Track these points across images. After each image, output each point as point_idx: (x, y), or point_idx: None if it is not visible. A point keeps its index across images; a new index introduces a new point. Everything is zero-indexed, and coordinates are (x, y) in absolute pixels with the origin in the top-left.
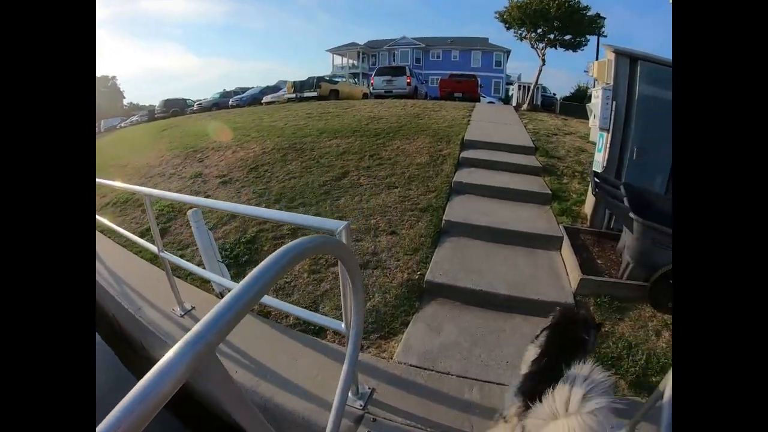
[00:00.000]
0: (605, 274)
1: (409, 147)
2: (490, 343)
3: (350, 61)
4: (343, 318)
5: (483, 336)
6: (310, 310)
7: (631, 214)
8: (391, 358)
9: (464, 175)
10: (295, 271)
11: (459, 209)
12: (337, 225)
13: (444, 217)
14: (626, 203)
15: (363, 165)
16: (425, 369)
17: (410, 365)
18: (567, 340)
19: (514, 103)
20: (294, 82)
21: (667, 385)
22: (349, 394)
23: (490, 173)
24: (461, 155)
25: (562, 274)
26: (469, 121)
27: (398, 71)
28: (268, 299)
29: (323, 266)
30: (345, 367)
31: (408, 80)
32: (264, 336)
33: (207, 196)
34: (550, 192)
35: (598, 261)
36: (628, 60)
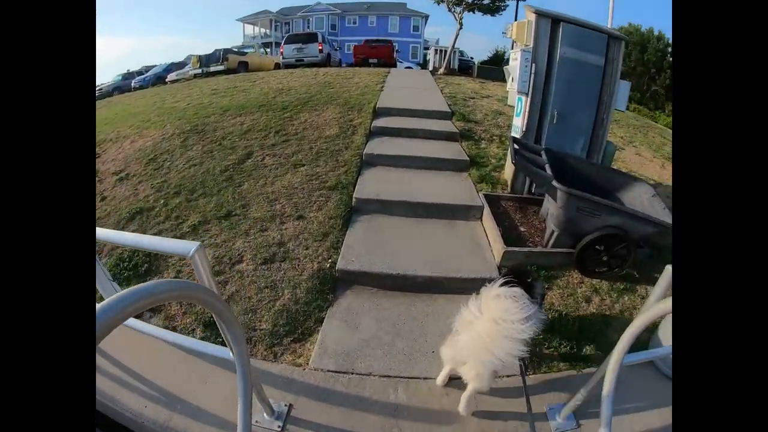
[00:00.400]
0: (530, 243)
1: (318, 119)
2: (413, 331)
3: (263, 31)
4: (227, 345)
5: (405, 325)
6: (214, 320)
7: (555, 183)
8: (308, 365)
9: (376, 146)
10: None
11: (371, 184)
12: (188, 249)
13: (354, 195)
14: (548, 171)
15: (268, 143)
16: (345, 373)
17: (328, 371)
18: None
19: (430, 68)
20: (199, 56)
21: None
22: (264, 416)
23: (405, 142)
24: (373, 124)
25: (485, 247)
26: (382, 87)
27: (309, 38)
28: (144, 326)
29: (226, 264)
30: (240, 407)
31: (320, 47)
32: (173, 357)
33: (103, 198)
34: (468, 158)
35: (522, 228)
36: (550, 21)
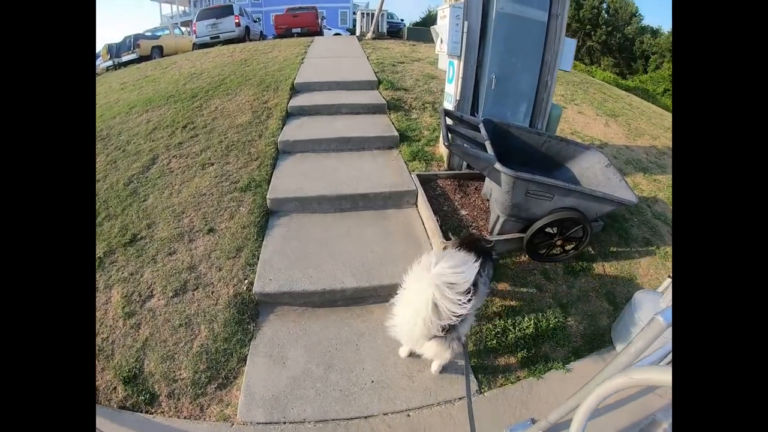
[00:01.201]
0: (473, 228)
1: (230, 105)
2: (347, 359)
3: (181, 9)
4: None
5: (338, 351)
6: (133, 371)
7: (498, 166)
8: (236, 416)
9: (293, 130)
10: (107, 319)
11: (288, 178)
12: None
13: (268, 195)
14: (489, 150)
15: (174, 142)
16: (276, 423)
17: (258, 424)
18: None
19: (357, 33)
20: (108, 45)
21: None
22: None
23: (326, 121)
24: (290, 104)
25: (422, 241)
26: (303, 59)
27: (224, 12)
28: None
29: (137, 302)
30: None
31: (236, 21)
32: None
33: None
34: (397, 133)
35: (463, 212)
36: None
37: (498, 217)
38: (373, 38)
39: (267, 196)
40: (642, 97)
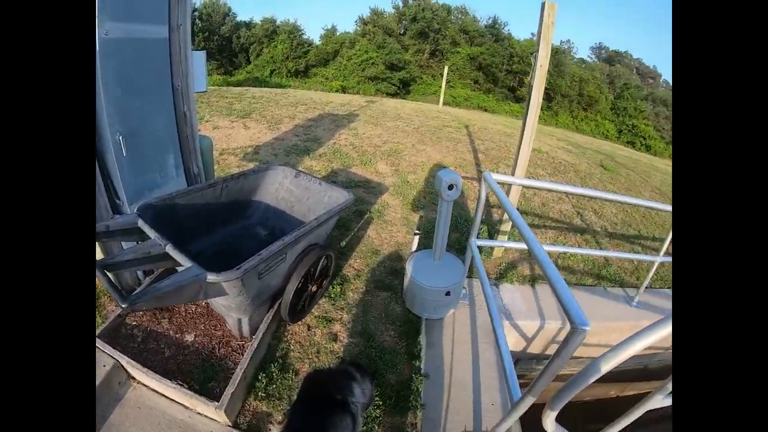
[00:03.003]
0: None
1: None
2: None
3: None
4: None
5: None
6: None
7: (213, 277)
8: None
9: None
10: None
11: None
12: None
13: None
14: (185, 261)
15: None
16: None
17: None
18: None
19: None
20: None
21: None
22: None
23: None
24: None
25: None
26: None
27: None
28: None
29: None
30: None
31: None
32: None
33: None
34: None
35: (188, 338)
36: None
37: (239, 320)
38: None
39: None
40: (256, 85)
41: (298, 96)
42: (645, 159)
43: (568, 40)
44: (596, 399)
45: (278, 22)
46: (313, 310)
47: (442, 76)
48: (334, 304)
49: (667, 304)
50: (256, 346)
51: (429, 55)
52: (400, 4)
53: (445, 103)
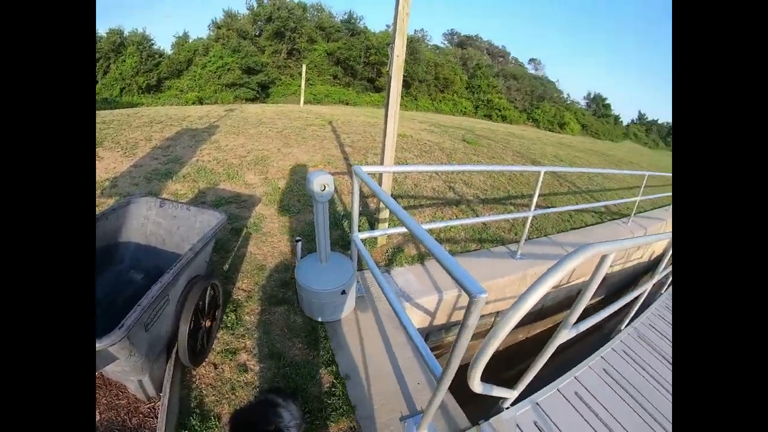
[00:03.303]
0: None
1: None
2: None
3: None
4: None
5: None
6: None
7: (97, 345)
8: None
9: None
10: None
11: None
12: None
13: None
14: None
15: None
16: None
17: None
18: None
19: None
20: None
21: None
22: None
23: None
24: None
25: None
26: None
27: None
28: None
29: None
30: None
31: None
32: None
33: None
34: None
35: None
36: None
37: (140, 381)
38: None
39: None
40: (106, 107)
41: (152, 114)
42: (502, 128)
43: (422, 29)
44: (507, 346)
45: (126, 33)
46: (214, 346)
47: (301, 75)
48: (233, 333)
49: (546, 250)
50: (167, 404)
51: (286, 55)
52: (255, 5)
53: (306, 102)
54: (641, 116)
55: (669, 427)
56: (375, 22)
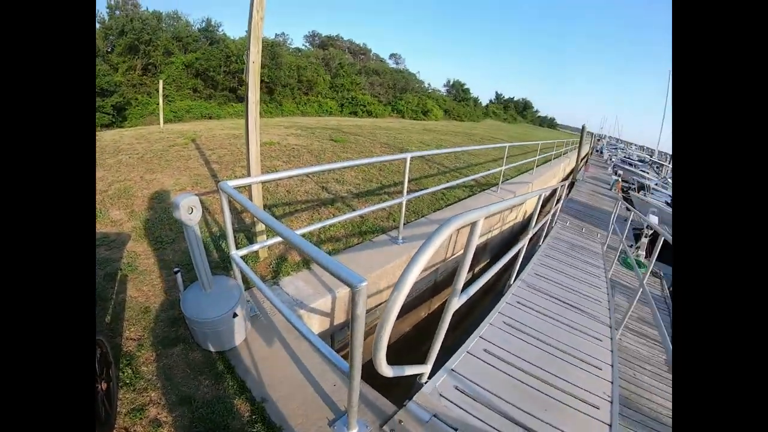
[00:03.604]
0: None
1: None
2: None
3: None
4: None
5: None
6: None
7: None
8: None
9: None
10: None
11: None
12: None
13: None
14: None
15: None
16: None
17: None
18: None
19: None
20: None
21: None
22: None
23: None
24: None
25: None
26: None
27: None
28: None
29: None
30: None
31: None
32: None
33: None
34: None
35: None
36: None
37: None
38: None
39: None
40: None
41: None
42: (369, 123)
43: (283, 33)
44: (413, 325)
45: None
46: (119, 409)
47: (158, 92)
48: (134, 389)
49: (425, 229)
50: None
51: (142, 71)
52: (106, 18)
53: (167, 121)
54: (498, 96)
55: (569, 352)
56: (234, 27)
